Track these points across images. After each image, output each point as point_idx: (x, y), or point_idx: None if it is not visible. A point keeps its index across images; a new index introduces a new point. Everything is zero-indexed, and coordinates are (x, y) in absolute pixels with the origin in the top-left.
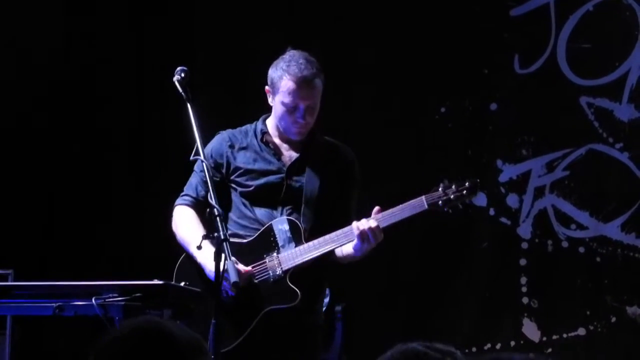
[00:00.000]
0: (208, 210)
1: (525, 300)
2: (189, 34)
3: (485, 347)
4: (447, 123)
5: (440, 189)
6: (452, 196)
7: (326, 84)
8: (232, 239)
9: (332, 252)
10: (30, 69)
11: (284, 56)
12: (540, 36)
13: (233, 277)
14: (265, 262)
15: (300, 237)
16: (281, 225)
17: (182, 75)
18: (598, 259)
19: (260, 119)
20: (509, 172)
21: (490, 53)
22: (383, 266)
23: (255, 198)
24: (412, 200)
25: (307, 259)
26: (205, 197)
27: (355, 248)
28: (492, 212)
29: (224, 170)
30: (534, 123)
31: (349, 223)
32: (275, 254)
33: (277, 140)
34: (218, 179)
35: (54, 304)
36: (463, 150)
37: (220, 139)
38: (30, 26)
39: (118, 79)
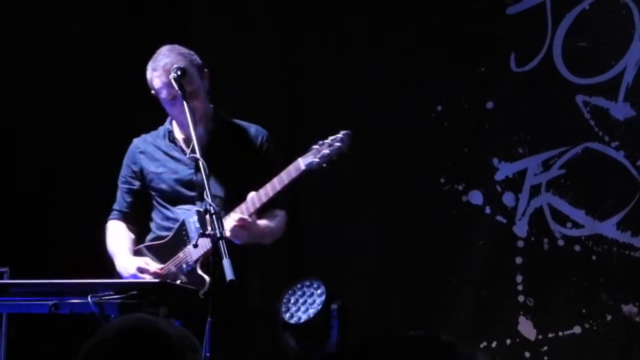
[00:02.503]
0: (204, 208)
1: (521, 298)
2: (184, 31)
3: (481, 345)
4: (443, 121)
5: (314, 148)
6: (326, 151)
7: (322, 84)
8: (153, 242)
9: None
10: (28, 68)
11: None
12: (536, 34)
13: (229, 275)
14: (179, 256)
15: (206, 226)
16: (191, 218)
17: (178, 73)
18: (594, 258)
19: (167, 120)
20: (505, 170)
21: (486, 51)
22: (379, 264)
23: (172, 198)
24: (290, 165)
25: (210, 246)
26: (130, 207)
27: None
28: (488, 210)
29: (140, 178)
30: (530, 121)
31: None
32: (187, 247)
33: (182, 136)
34: (137, 188)
35: (49, 302)
36: (459, 149)
37: (133, 148)
38: (27, 23)
39: (114, 77)
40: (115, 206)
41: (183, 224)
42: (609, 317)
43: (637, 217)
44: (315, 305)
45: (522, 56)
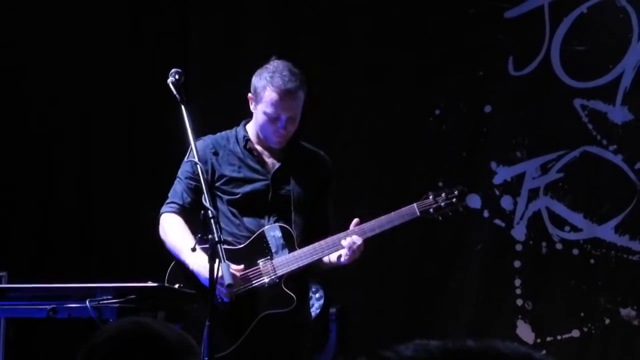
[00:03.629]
0: (202, 212)
1: (519, 302)
2: (183, 36)
3: None
4: (442, 125)
5: (430, 197)
6: (442, 204)
7: (321, 87)
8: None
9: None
10: (26, 72)
11: (267, 66)
12: (534, 38)
13: (228, 280)
14: (259, 267)
15: (293, 243)
16: (273, 232)
17: (177, 77)
18: (592, 261)
19: (241, 125)
20: (503, 174)
21: (484, 55)
22: (377, 268)
23: (242, 206)
24: (403, 209)
25: (301, 264)
26: (191, 203)
27: (344, 261)
28: (486, 214)
29: (208, 177)
30: (528, 125)
31: (327, 227)
32: (268, 260)
33: (259, 147)
34: (202, 186)
35: (48, 306)
36: (457, 152)
37: (203, 145)
38: (27, 25)
39: (113, 81)
40: (175, 199)
41: (263, 235)
42: (607, 321)
43: (635, 221)
44: (313, 309)
45: (520, 60)
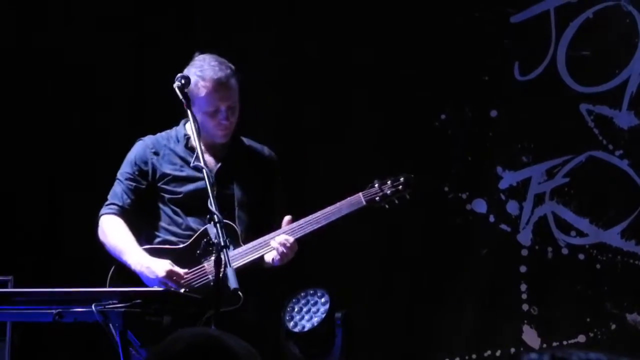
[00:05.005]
0: (208, 216)
1: (525, 307)
2: (189, 38)
3: (485, 354)
4: (447, 130)
5: (376, 185)
6: (388, 192)
7: (324, 88)
8: (164, 246)
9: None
10: (26, 74)
11: (193, 62)
12: (540, 43)
13: (233, 284)
14: (203, 266)
15: (238, 239)
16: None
17: (183, 82)
18: (598, 266)
19: (181, 124)
20: (509, 178)
21: (490, 60)
22: (383, 272)
23: (186, 205)
24: (349, 198)
25: (247, 261)
26: (131, 204)
27: (276, 262)
28: (492, 219)
29: (149, 178)
30: (534, 130)
31: (274, 223)
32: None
33: (203, 147)
34: (144, 187)
35: (53, 311)
36: (463, 157)
37: (144, 146)
38: (32, 24)
39: (117, 86)
40: (115, 200)
41: (206, 233)
42: (613, 326)
43: None
44: (319, 313)
45: (526, 65)
